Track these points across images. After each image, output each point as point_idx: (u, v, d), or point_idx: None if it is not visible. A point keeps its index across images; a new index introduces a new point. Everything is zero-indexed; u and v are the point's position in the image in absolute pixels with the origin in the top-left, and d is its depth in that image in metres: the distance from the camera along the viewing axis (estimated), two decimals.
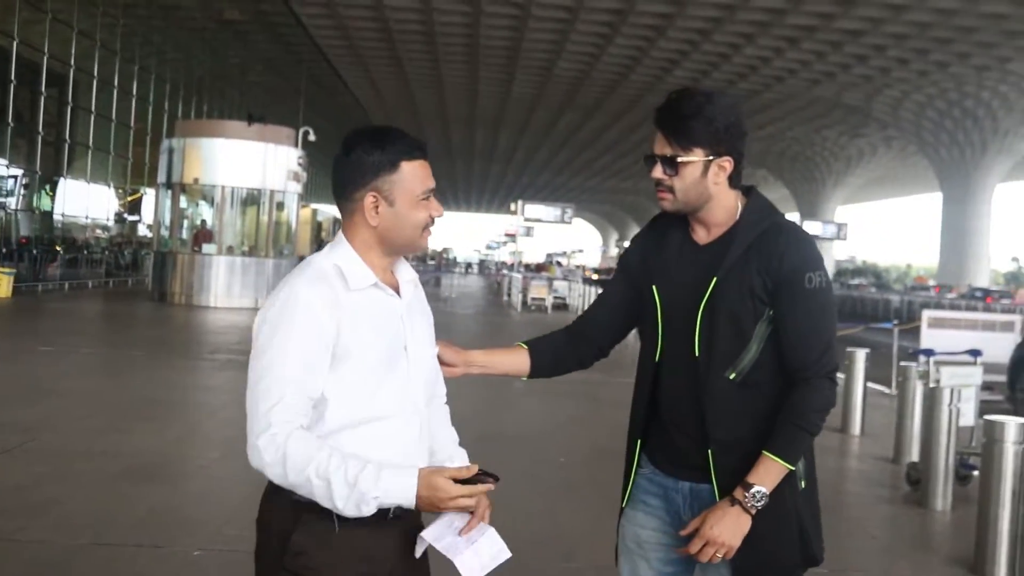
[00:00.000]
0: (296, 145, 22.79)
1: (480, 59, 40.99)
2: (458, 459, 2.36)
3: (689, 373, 2.38)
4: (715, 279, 2.34)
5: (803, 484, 2.40)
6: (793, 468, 2.31)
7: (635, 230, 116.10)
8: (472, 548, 2.10)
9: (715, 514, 2.30)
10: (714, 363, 2.35)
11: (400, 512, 2.11)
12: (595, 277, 43.96)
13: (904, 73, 37.18)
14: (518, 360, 2.60)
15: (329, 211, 62.53)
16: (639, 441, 2.53)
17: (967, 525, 6.52)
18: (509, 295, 34.66)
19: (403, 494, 2.02)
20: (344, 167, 2.18)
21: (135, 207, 43.98)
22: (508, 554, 2.12)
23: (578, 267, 59.85)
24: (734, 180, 2.41)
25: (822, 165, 55.94)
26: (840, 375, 2.37)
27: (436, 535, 2.12)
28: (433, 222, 2.22)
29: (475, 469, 2.08)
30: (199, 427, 8.31)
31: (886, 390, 12.62)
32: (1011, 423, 5.59)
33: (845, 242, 43.19)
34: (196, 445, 7.54)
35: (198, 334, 16.50)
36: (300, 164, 22.55)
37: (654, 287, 2.46)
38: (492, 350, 2.60)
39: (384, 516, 2.08)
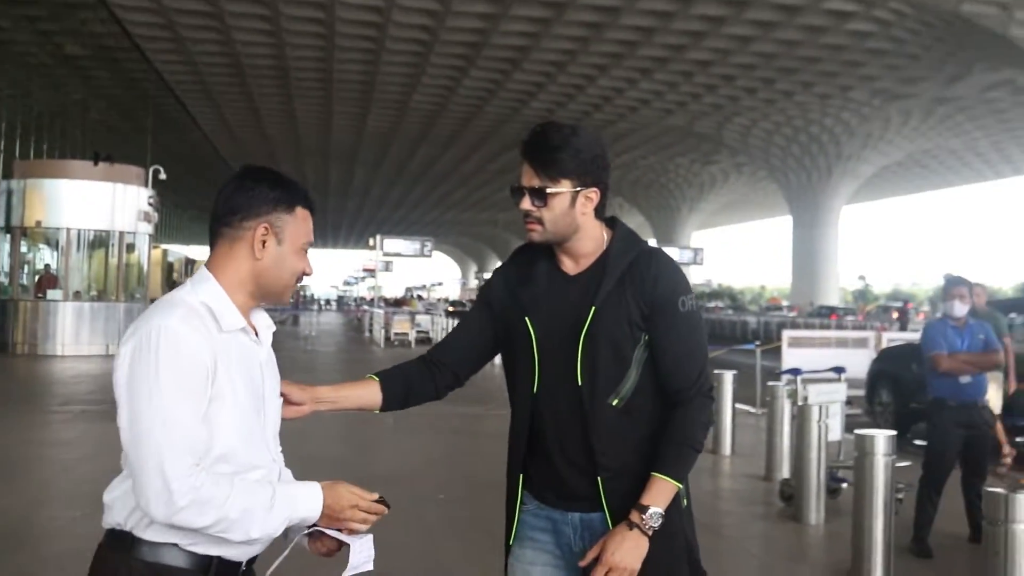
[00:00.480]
0: (146, 184, 21.99)
1: (334, 93, 40.67)
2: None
3: (571, 402, 2.39)
4: (593, 308, 2.37)
5: (685, 502, 2.46)
6: (681, 486, 2.37)
7: (494, 261, 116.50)
8: (359, 541, 2.13)
9: (614, 539, 2.30)
10: (597, 390, 2.37)
11: (248, 565, 2.11)
12: (450, 309, 43.97)
13: (752, 102, 38.68)
14: (369, 393, 2.53)
15: (180, 252, 60.78)
16: (520, 476, 2.50)
17: (841, 536, 6.68)
18: (371, 331, 34.32)
19: (312, 504, 2.04)
20: (240, 194, 2.11)
21: None
22: (371, 566, 2.14)
23: (439, 300, 59.66)
24: (599, 211, 2.45)
25: (676, 192, 57.59)
26: None
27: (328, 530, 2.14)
28: (302, 276, 2.21)
29: (375, 496, 2.11)
30: (55, 484, 7.80)
31: (752, 409, 12.94)
32: (880, 436, 5.76)
33: (701, 266, 44.43)
34: (55, 504, 7.04)
35: (46, 385, 15.62)
36: (151, 204, 21.77)
37: (527, 319, 2.45)
38: (340, 385, 2.51)
39: (235, 575, 2.07)
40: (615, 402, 2.37)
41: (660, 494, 2.32)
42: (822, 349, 13.34)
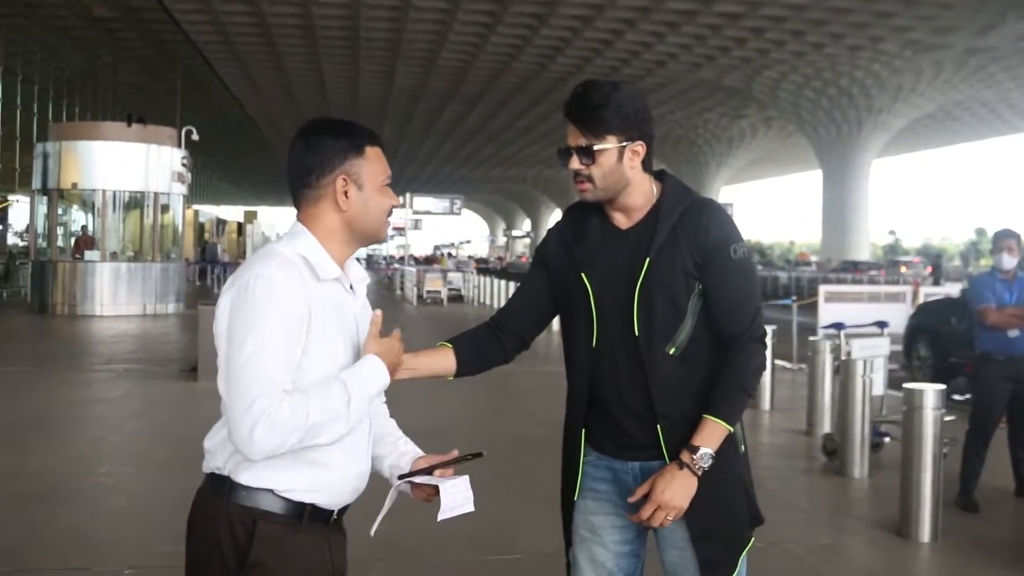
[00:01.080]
0: (179, 145, 22.08)
1: (361, 52, 40.49)
2: (413, 450, 2.40)
3: (629, 353, 2.45)
4: (648, 259, 2.43)
5: (743, 448, 2.54)
6: (733, 429, 2.42)
7: (522, 218, 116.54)
8: (451, 484, 2.19)
9: (664, 478, 2.37)
10: (654, 340, 2.43)
11: (339, 514, 2.19)
12: (476, 266, 44.04)
13: (781, 55, 38.18)
14: (444, 360, 2.59)
15: (210, 212, 61.05)
16: (583, 430, 2.56)
17: (886, 490, 6.72)
18: (402, 289, 34.45)
19: (378, 374, 2.13)
20: (309, 153, 2.16)
21: (2, 216, 42.08)
22: (472, 507, 2.20)
23: (470, 257, 59.41)
24: (647, 164, 2.50)
25: (705, 147, 57.16)
26: None
27: (418, 478, 2.24)
28: (391, 210, 2.26)
29: (454, 453, 2.24)
30: (104, 443, 7.93)
31: (789, 365, 12.93)
32: (929, 390, 5.76)
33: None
34: (105, 462, 7.17)
35: (88, 344, 15.82)
36: (184, 164, 21.87)
37: (583, 275, 2.50)
38: (417, 352, 2.54)
39: (327, 522, 2.14)
40: (672, 351, 2.43)
41: (711, 435, 2.38)
42: (859, 304, 13.25)
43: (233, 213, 73.77)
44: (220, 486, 2.09)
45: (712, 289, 2.44)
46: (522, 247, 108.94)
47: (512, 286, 28.96)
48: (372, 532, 2.25)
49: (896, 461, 7.42)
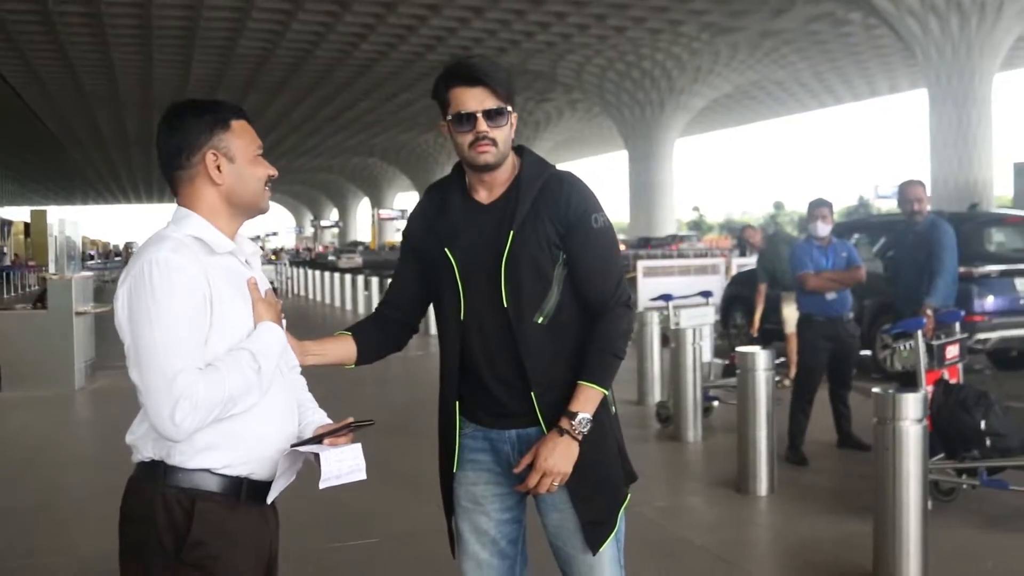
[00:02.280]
0: None
1: (154, 40, 38.69)
2: (320, 419, 2.38)
3: (499, 324, 2.51)
4: (512, 232, 2.48)
5: (613, 409, 2.62)
6: (607, 392, 2.51)
7: (330, 208, 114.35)
8: (337, 451, 2.15)
9: (547, 446, 2.44)
10: (523, 310, 2.49)
11: (273, 499, 2.21)
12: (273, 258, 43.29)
13: (585, 38, 39.02)
14: (346, 348, 2.67)
15: None
16: (456, 403, 2.61)
17: (720, 450, 7.03)
18: None
19: (273, 335, 2.17)
20: (174, 135, 2.18)
21: None
22: (363, 476, 2.16)
23: (279, 250, 57.88)
24: None
25: None
26: None
27: (304, 447, 2.17)
28: (270, 180, 2.27)
29: (349, 420, 2.23)
30: None
31: None
32: (761, 354, 6.05)
33: None
34: None
35: None
36: None
37: (447, 250, 2.55)
38: (322, 340, 2.65)
39: (264, 499, 2.17)
40: (540, 319, 2.50)
41: (588, 401, 2.46)
42: (676, 277, 13.76)
43: (19, 214, 69.31)
44: (154, 471, 2.09)
45: (576, 258, 2.51)
46: (330, 236, 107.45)
47: (320, 277, 28.69)
48: (268, 501, 2.21)
49: (725, 423, 7.81)
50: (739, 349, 6.20)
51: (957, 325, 6.51)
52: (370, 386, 10.11)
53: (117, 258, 64.19)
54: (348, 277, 24.96)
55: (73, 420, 9.35)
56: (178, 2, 33.36)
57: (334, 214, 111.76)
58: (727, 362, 8.76)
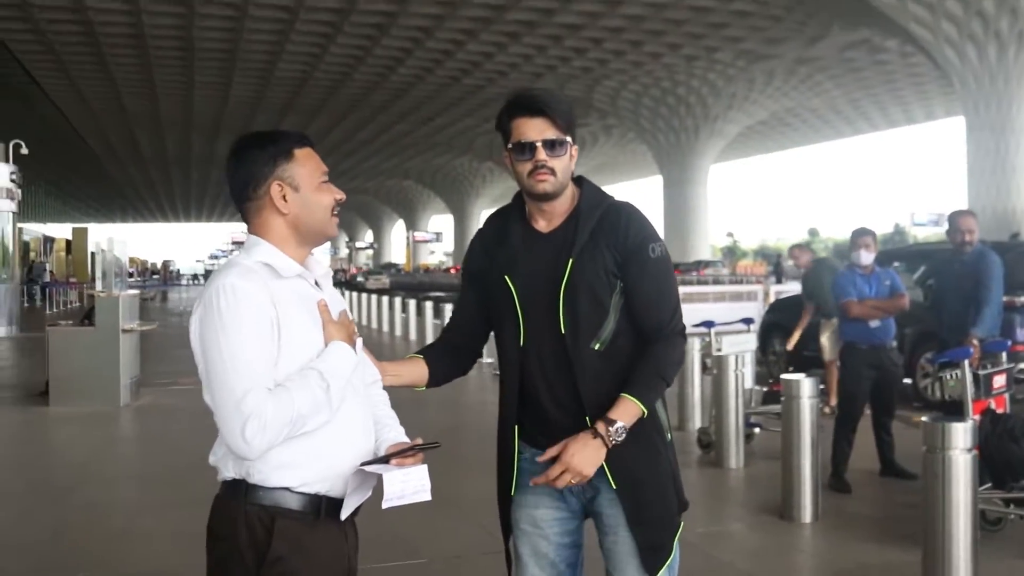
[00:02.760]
0: (7, 160, 20.95)
1: (195, 62, 39.29)
2: (395, 436, 2.43)
3: (557, 350, 2.56)
4: (571, 260, 2.54)
5: (669, 437, 2.65)
6: (646, 411, 2.51)
7: (364, 230, 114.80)
8: (402, 472, 2.18)
9: (577, 443, 2.47)
10: (580, 338, 2.54)
11: (356, 512, 2.29)
12: None
13: (621, 64, 39.24)
14: (419, 370, 2.76)
15: (36, 230, 58.01)
16: (515, 427, 2.65)
17: (762, 477, 7.03)
18: None
19: (344, 356, 2.22)
20: (241, 168, 2.27)
21: None
22: (428, 496, 2.20)
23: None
24: None
25: None
26: None
27: (371, 467, 2.22)
28: (338, 205, 2.33)
29: (417, 441, 2.30)
30: None
31: None
32: (805, 381, 6.06)
33: None
34: None
35: None
36: (14, 180, 20.77)
37: (507, 277, 2.61)
38: (397, 362, 2.74)
39: (338, 515, 2.23)
40: (597, 346, 2.54)
41: (627, 412, 2.49)
42: (714, 304, 13.77)
43: (60, 231, 70.33)
44: (237, 489, 2.17)
45: (633, 287, 2.56)
46: (364, 258, 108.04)
47: (349, 296, 28.95)
48: (342, 517, 2.27)
49: (766, 450, 7.81)
50: (784, 376, 6.22)
51: (1004, 355, 6.50)
52: (408, 408, 10.17)
53: (155, 276, 64.78)
54: (374, 297, 25.60)
55: (119, 436, 9.49)
56: (220, 25, 33.89)
57: (369, 235, 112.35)
58: (768, 389, 8.76)
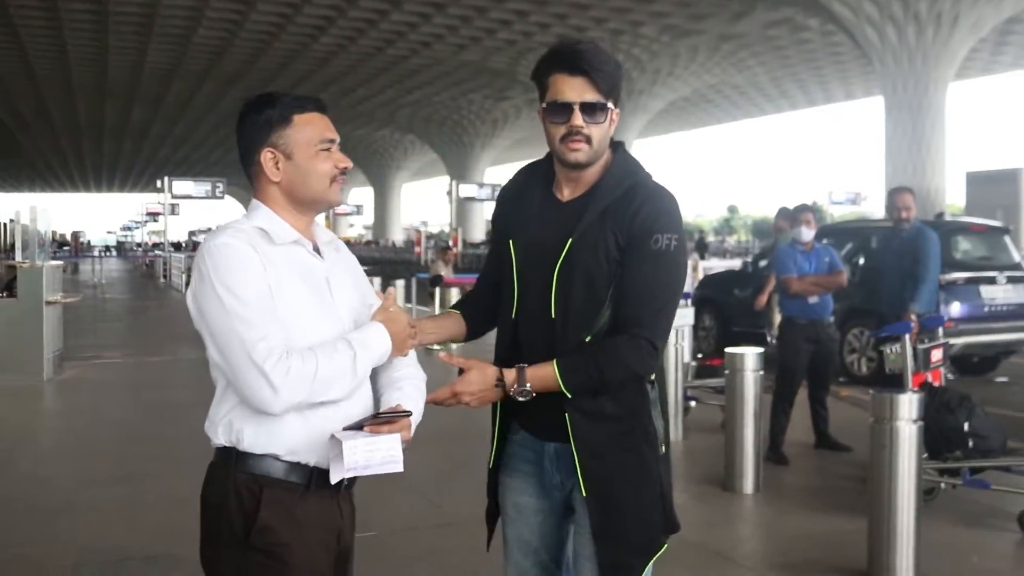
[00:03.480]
0: None
1: (110, 26, 38.12)
2: (389, 393, 2.29)
3: (545, 333, 2.36)
4: (570, 240, 2.32)
5: (663, 449, 2.41)
6: (562, 390, 2.28)
7: None
8: (367, 440, 2.05)
9: (477, 381, 2.30)
10: (569, 324, 2.33)
11: (349, 482, 2.20)
12: None
13: (546, 37, 39.05)
14: (458, 324, 2.62)
15: None
16: (500, 404, 2.48)
17: (702, 450, 7.17)
18: (166, 276, 33.00)
19: (381, 339, 2.20)
20: (241, 134, 2.23)
21: None
22: (399, 467, 2.06)
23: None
24: None
25: (469, 128, 57.74)
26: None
27: (343, 432, 2.09)
28: (341, 173, 2.25)
29: (395, 407, 2.16)
30: None
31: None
32: (749, 354, 6.17)
33: None
34: None
35: None
36: None
37: (511, 241, 2.44)
38: (435, 318, 2.66)
39: (336, 488, 2.18)
40: (588, 338, 2.31)
41: (540, 378, 2.28)
42: None
43: None
44: (227, 457, 2.15)
45: (623, 275, 2.31)
46: None
47: None
48: (332, 483, 2.13)
49: (702, 424, 7.95)
50: (728, 350, 6.32)
51: (940, 330, 6.70)
52: None
53: (64, 248, 62.85)
54: None
55: (48, 410, 9.26)
56: None
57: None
58: (700, 363, 8.89)
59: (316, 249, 2.27)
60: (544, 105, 2.38)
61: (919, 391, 5.58)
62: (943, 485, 5.69)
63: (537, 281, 2.38)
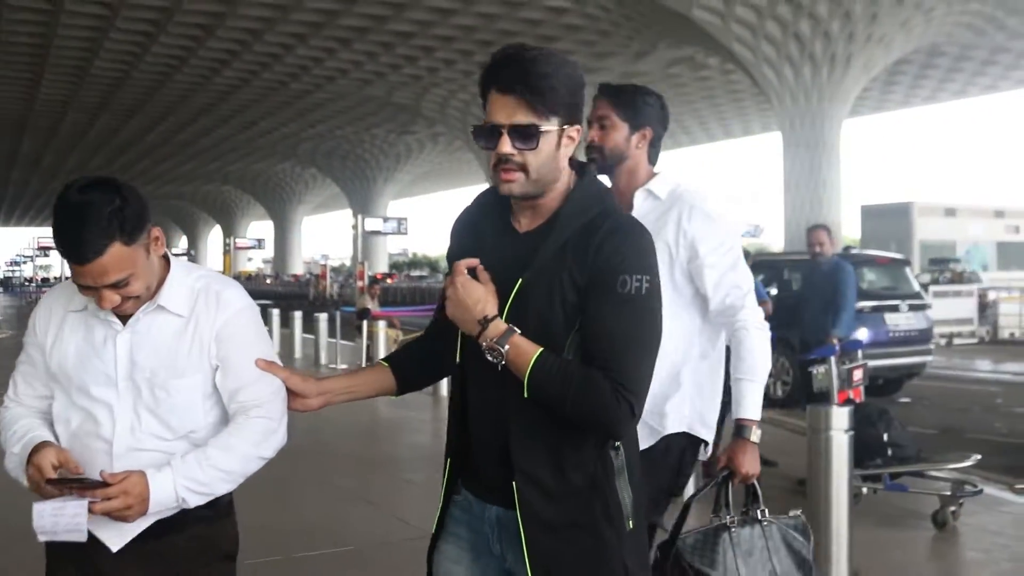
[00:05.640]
0: None
1: (0, 56, 37.20)
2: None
3: (493, 387, 2.03)
4: (519, 281, 2.00)
5: (630, 524, 2.04)
6: (526, 383, 1.94)
7: (179, 236, 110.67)
8: (55, 506, 2.01)
9: (477, 288, 2.01)
10: (517, 378, 1.96)
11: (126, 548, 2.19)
12: None
13: (451, 73, 39.58)
14: (382, 378, 2.34)
15: None
16: (449, 460, 2.19)
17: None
18: None
19: (18, 463, 2.18)
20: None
21: None
22: (83, 537, 2.01)
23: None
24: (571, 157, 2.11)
25: (372, 162, 57.79)
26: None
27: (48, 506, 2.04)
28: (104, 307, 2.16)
29: (103, 476, 2.05)
30: None
31: None
32: None
33: (406, 235, 45.05)
34: None
35: None
36: None
37: None
38: (351, 374, 2.37)
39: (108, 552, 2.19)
40: None
41: (521, 355, 1.94)
42: None
43: None
44: None
45: (587, 325, 1.96)
46: None
47: None
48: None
49: None
50: None
51: (859, 352, 7.23)
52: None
53: None
54: None
55: None
56: (32, 18, 32.24)
57: (183, 242, 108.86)
58: None
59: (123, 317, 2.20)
60: (471, 128, 2.10)
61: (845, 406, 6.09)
62: (865, 490, 6.17)
63: None
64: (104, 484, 2.02)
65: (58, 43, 35.19)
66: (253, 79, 40.40)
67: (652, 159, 3.03)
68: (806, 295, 7.93)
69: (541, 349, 1.93)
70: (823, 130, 25.97)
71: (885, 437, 6.09)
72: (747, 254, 7.76)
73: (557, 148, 2.02)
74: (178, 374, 2.17)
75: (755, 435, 2.81)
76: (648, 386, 1.98)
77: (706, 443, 2.99)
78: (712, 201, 2.97)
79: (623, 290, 1.93)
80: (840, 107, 26.31)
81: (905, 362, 11.12)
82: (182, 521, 2.17)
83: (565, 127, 2.02)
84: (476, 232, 2.16)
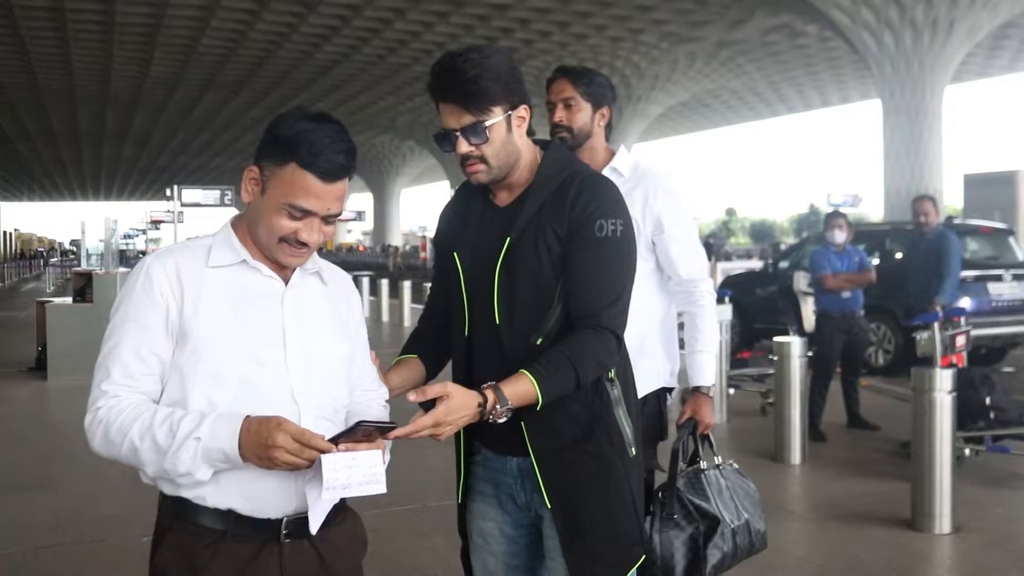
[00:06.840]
0: None
1: (115, 37, 38.74)
2: (381, 397, 2.24)
3: (496, 342, 2.25)
4: (508, 239, 2.23)
5: (633, 451, 2.27)
6: (541, 401, 2.09)
7: None
8: (347, 456, 1.82)
9: (456, 407, 2.00)
10: (516, 329, 2.22)
11: (293, 529, 1.93)
12: None
13: (546, 44, 39.92)
14: (418, 371, 2.45)
15: None
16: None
17: (746, 429, 8.00)
18: None
19: (227, 435, 1.82)
20: (265, 133, 2.02)
21: None
22: (382, 488, 1.84)
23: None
24: (529, 131, 2.32)
25: None
26: None
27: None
28: (295, 244, 1.97)
29: (358, 421, 1.86)
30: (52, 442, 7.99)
31: None
32: (795, 341, 7.00)
33: None
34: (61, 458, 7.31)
35: None
36: None
37: (455, 255, 2.34)
38: (395, 370, 2.42)
39: (276, 536, 1.93)
40: (540, 341, 2.20)
41: (520, 396, 2.07)
42: None
43: None
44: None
45: (569, 267, 2.20)
46: None
47: None
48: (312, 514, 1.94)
49: (742, 408, 8.78)
50: (776, 339, 7.14)
51: (963, 319, 7.55)
52: None
53: (71, 256, 63.18)
54: None
55: None
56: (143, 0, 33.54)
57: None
58: (733, 356, 9.71)
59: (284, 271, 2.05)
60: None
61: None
62: (967, 452, 6.53)
63: (483, 289, 2.26)
64: (391, 426, 1.89)
65: (167, 23, 36.50)
66: (353, 53, 41.24)
67: (607, 137, 3.34)
68: (912, 264, 8.24)
69: (530, 375, 2.07)
70: (924, 97, 25.54)
71: (987, 401, 6.43)
72: (848, 224, 8.06)
73: (508, 132, 2.22)
74: (333, 340, 2.06)
75: (712, 392, 3.16)
76: (626, 316, 2.23)
77: (671, 390, 3.28)
78: (675, 178, 3.21)
79: (600, 234, 2.18)
80: (942, 74, 25.80)
81: (1008, 331, 11.25)
82: (341, 511, 2.04)
83: (511, 112, 2.22)
84: (460, 215, 2.40)
